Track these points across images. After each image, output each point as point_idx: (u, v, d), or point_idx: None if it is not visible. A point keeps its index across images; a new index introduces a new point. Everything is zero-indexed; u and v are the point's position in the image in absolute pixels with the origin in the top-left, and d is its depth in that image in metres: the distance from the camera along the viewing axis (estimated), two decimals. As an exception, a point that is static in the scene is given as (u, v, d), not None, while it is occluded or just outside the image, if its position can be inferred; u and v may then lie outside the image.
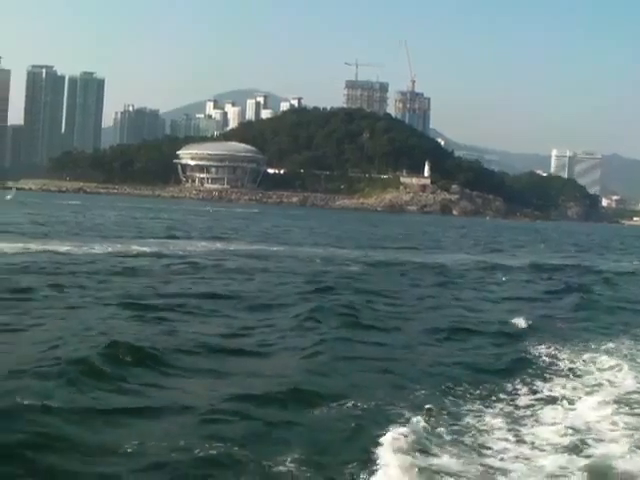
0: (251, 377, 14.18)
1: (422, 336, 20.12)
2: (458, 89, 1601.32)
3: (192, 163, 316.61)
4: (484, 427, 11.60)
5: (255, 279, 31.14)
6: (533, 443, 10.93)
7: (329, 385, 13.90)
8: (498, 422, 11.89)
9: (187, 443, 10.10)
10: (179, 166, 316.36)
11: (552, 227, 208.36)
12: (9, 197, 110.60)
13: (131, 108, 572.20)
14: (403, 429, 10.85)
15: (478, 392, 13.89)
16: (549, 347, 18.33)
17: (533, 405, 13.18)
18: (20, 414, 10.76)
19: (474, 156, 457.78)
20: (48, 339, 16.18)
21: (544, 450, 10.62)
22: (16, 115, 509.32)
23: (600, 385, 14.67)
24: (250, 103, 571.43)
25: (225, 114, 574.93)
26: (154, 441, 10.15)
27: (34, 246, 38.50)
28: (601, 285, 37.28)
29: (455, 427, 11.50)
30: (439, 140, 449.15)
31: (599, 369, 16.04)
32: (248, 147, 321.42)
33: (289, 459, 9.73)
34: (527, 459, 10.23)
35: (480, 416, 12.24)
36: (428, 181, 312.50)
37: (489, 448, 10.61)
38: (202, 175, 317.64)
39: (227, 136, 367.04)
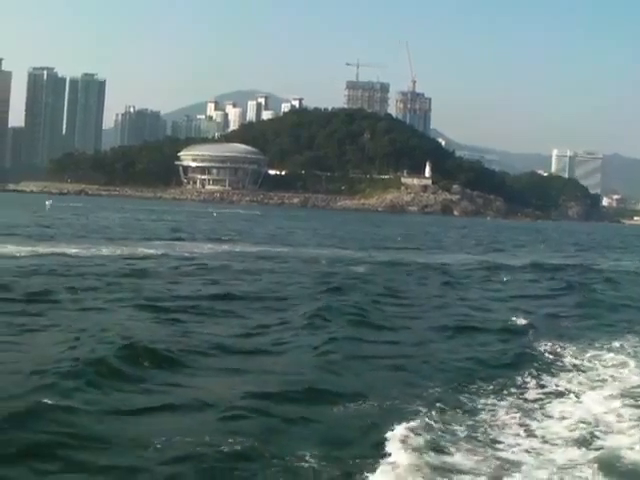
0: (266, 375, 14.54)
1: (430, 334, 20.58)
2: (459, 89, 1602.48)
3: (193, 165, 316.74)
4: (495, 422, 11.96)
5: (263, 280, 31.55)
6: (544, 437, 11.28)
7: (342, 383, 14.31)
8: (508, 417, 12.28)
9: (211, 438, 10.49)
10: (180, 168, 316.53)
11: (553, 227, 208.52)
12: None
13: (132, 109, 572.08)
14: (415, 425, 11.24)
15: (486, 388, 14.27)
16: (554, 344, 18.69)
17: (541, 400, 13.54)
18: (46, 414, 11.12)
19: (475, 156, 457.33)
20: (65, 340, 16.52)
21: (555, 444, 10.96)
22: (17, 117, 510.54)
23: (606, 380, 15.05)
24: (251, 104, 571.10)
25: (226, 115, 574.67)
26: (180, 436, 10.53)
27: (42, 249, 38.90)
28: (603, 284, 37.59)
29: (466, 422, 11.85)
30: (440, 140, 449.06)
31: (604, 365, 16.42)
32: (249, 148, 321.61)
33: (307, 454, 10.07)
34: (538, 452, 10.55)
35: (490, 411, 12.62)
36: (429, 181, 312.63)
37: (501, 442, 10.95)
38: (203, 177, 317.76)
39: (228, 137, 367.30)
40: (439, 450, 10.30)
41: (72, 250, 39.34)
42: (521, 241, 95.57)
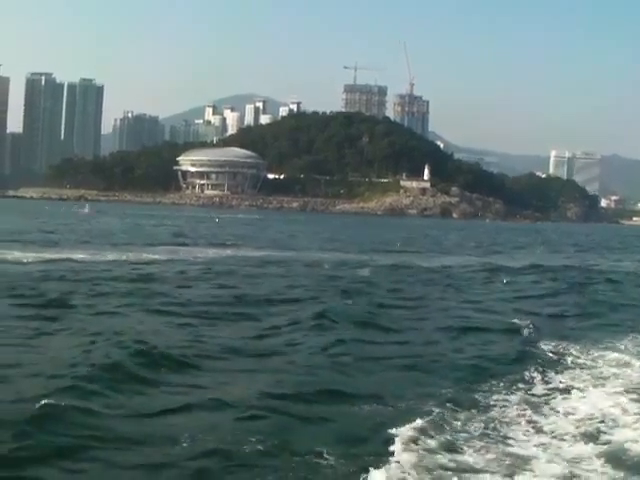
0: (280, 376, 14.91)
1: (437, 335, 21.03)
2: (457, 89, 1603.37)
3: (192, 169, 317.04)
4: (504, 419, 12.35)
5: (269, 283, 31.91)
6: (552, 432, 11.68)
7: (353, 383, 14.73)
8: (517, 414, 12.67)
9: (233, 436, 10.91)
10: (179, 172, 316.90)
11: (552, 228, 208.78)
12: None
13: (130, 114, 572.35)
14: (427, 423, 11.64)
15: (494, 386, 14.67)
16: (558, 344, 19.09)
17: (547, 396, 13.93)
18: (69, 416, 11.48)
19: (474, 158, 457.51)
20: (81, 344, 16.88)
21: (563, 439, 11.36)
22: (15, 123, 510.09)
23: (610, 377, 15.44)
24: (249, 108, 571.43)
25: (224, 119, 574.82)
26: (203, 435, 10.94)
27: (49, 255, 39.19)
28: (604, 284, 38.10)
29: (477, 419, 12.24)
30: (438, 143, 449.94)
31: (608, 364, 16.79)
32: (248, 153, 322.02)
33: (324, 451, 10.45)
34: (548, 447, 10.94)
35: (500, 408, 13.02)
36: (428, 184, 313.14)
37: (511, 438, 11.33)
38: (202, 181, 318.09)
39: (227, 142, 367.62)
40: (452, 448, 10.66)
41: (79, 256, 39.70)
42: (521, 243, 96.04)
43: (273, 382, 14.34)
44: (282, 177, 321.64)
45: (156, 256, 42.65)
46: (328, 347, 17.94)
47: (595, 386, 14.70)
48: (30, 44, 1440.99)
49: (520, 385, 14.78)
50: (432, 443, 10.72)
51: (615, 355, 17.78)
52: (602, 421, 12.22)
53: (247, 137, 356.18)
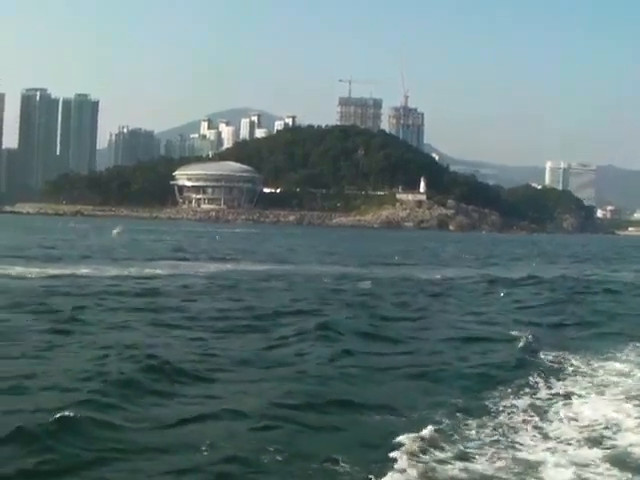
0: (289, 386, 15.22)
1: (440, 345, 21.51)
2: (453, 101, 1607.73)
3: (188, 184, 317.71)
4: (511, 425, 12.77)
5: (273, 297, 32.31)
6: (558, 437, 12.09)
7: (363, 392, 15.12)
8: (522, 419, 13.13)
9: (249, 444, 11.31)
10: (175, 187, 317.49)
11: (548, 240, 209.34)
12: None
13: (125, 129, 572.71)
14: (437, 430, 12.08)
15: (499, 393, 15.13)
16: (559, 353, 19.59)
17: (551, 403, 14.34)
18: (87, 429, 11.78)
19: (469, 170, 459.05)
20: (93, 357, 17.22)
21: (569, 443, 11.77)
22: (10, 138, 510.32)
23: (611, 385, 15.93)
24: (244, 122, 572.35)
25: (219, 134, 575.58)
26: (221, 442, 11.34)
27: (52, 270, 39.55)
28: (602, 294, 38.60)
29: (485, 425, 12.70)
30: (434, 155, 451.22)
31: (609, 372, 17.26)
32: (244, 167, 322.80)
33: (338, 458, 10.84)
34: (555, 452, 11.33)
35: (505, 415, 13.45)
36: (424, 197, 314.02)
37: (518, 443, 11.76)
38: (199, 196, 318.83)
39: (222, 156, 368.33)
40: (463, 456, 11.06)
41: (82, 271, 40.14)
42: (518, 254, 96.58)
43: (284, 392, 14.63)
44: (278, 191, 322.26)
45: (158, 271, 43.03)
46: (336, 358, 18.36)
47: (597, 393, 15.12)
48: (25, 60, 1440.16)
49: (524, 392, 15.22)
50: (444, 451, 11.12)
51: (615, 363, 18.23)
52: (606, 426, 12.64)
53: (243, 151, 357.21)
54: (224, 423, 12.60)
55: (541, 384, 15.97)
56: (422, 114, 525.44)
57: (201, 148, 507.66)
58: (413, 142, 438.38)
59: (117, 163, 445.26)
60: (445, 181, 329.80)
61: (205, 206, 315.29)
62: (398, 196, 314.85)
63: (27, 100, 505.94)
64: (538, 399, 14.66)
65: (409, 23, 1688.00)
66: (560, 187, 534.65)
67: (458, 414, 13.32)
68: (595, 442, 11.82)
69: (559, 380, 16.40)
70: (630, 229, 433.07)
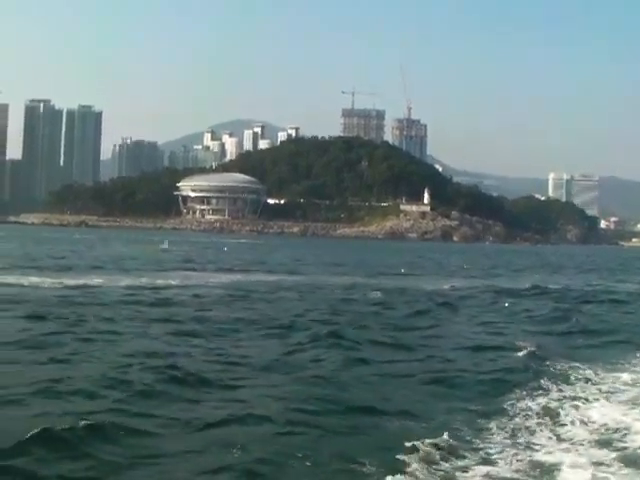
0: (308, 391, 15.76)
1: (453, 353, 22.01)
2: (455, 113, 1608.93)
3: (192, 195, 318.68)
4: (527, 428, 13.35)
5: (286, 306, 32.83)
6: (571, 439, 12.65)
7: (382, 398, 15.65)
8: (537, 422, 13.72)
9: (277, 447, 11.82)
10: (180, 198, 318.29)
11: (552, 251, 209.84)
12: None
13: (129, 140, 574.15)
14: (457, 434, 12.70)
15: (513, 398, 15.76)
16: (567, 361, 20.15)
17: (563, 407, 14.85)
18: (116, 435, 12.23)
19: (472, 181, 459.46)
20: (114, 365, 17.64)
21: (582, 444, 12.34)
22: (14, 149, 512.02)
23: (618, 391, 16.54)
24: (247, 133, 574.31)
25: (223, 145, 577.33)
26: (251, 445, 11.83)
27: (65, 280, 40.10)
28: (608, 304, 39.10)
29: (502, 428, 13.31)
30: (437, 166, 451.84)
31: (617, 378, 17.82)
32: (248, 178, 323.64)
33: (365, 462, 11.28)
34: (570, 453, 11.87)
35: (520, 418, 14.06)
36: (428, 208, 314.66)
37: (535, 444, 12.35)
38: (203, 207, 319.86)
39: (226, 167, 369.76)
40: (483, 458, 11.65)
41: (95, 281, 40.69)
42: (522, 265, 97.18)
43: (303, 397, 15.13)
44: (282, 202, 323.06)
45: (170, 281, 43.62)
46: (352, 365, 18.96)
47: (605, 399, 15.65)
48: (28, 71, 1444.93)
49: (536, 397, 15.77)
50: (462, 456, 11.67)
51: (623, 373, 18.65)
52: (616, 429, 13.21)
53: (247, 162, 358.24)
54: (250, 427, 13.03)
55: (552, 390, 16.50)
56: (425, 125, 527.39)
57: (204, 159, 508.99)
58: (416, 153, 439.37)
59: (121, 174, 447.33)
60: (449, 192, 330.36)
61: (209, 217, 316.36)
62: (402, 207, 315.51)
63: (31, 111, 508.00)
64: (550, 403, 15.14)
65: (412, 36, 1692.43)
66: (563, 198, 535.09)
67: (473, 419, 13.90)
68: (607, 444, 12.34)
69: (569, 385, 17.02)
70: (634, 240, 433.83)
